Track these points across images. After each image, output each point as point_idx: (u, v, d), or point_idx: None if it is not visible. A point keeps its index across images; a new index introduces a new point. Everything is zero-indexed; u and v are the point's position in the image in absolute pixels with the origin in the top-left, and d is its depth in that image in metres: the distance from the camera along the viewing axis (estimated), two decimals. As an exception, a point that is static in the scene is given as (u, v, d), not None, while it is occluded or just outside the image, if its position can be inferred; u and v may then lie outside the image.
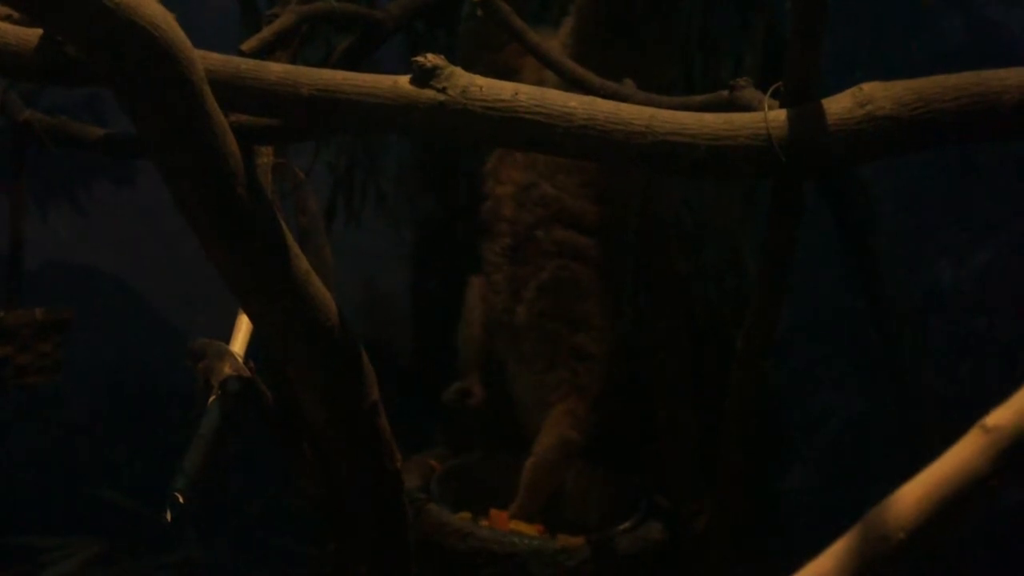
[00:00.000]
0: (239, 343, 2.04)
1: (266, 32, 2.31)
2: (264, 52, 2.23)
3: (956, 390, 4.41)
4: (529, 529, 3.05)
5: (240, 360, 1.97)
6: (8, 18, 1.66)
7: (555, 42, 2.96)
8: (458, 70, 1.58)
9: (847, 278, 4.12)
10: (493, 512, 3.11)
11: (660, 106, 1.68)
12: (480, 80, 1.58)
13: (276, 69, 1.62)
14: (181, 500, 1.71)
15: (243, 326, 2.05)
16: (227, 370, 1.91)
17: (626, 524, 3.03)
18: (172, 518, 1.70)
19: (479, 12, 2.13)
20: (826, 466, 4.61)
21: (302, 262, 1.63)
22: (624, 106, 1.63)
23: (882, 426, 4.39)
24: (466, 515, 3.09)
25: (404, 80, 1.59)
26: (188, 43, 1.34)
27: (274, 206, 1.57)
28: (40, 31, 1.60)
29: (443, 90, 1.56)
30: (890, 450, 4.19)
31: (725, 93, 1.91)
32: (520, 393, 3.27)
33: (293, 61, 2.41)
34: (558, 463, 3.14)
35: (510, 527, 3.04)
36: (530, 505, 3.13)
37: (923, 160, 4.33)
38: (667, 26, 3.08)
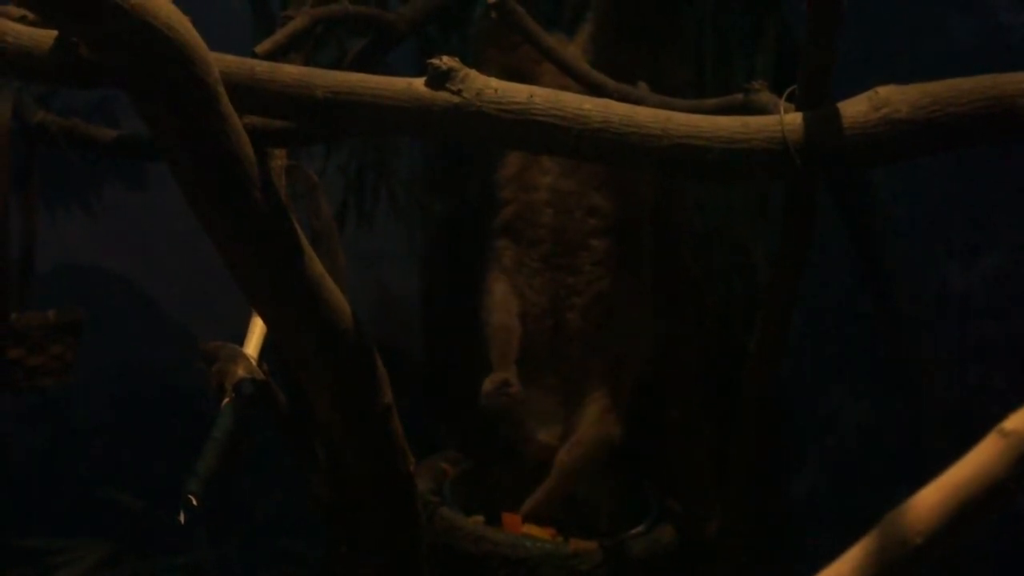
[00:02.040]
0: (253, 345, 2.04)
1: (280, 35, 2.32)
2: (278, 54, 2.24)
3: (966, 394, 4.40)
4: (542, 533, 3.04)
5: (254, 363, 1.98)
6: (22, 19, 1.66)
7: (573, 48, 2.95)
8: (473, 72, 1.58)
9: (856, 282, 4.11)
10: (506, 516, 3.10)
11: (675, 109, 1.68)
12: (495, 82, 1.58)
13: (291, 71, 1.62)
14: (194, 502, 1.71)
15: (257, 328, 2.05)
16: (240, 373, 1.91)
17: (638, 528, 3.03)
18: (185, 520, 1.71)
19: (492, 14, 2.13)
20: (836, 470, 4.60)
21: (316, 265, 1.63)
22: (639, 109, 1.63)
23: (892, 430, 4.38)
24: (479, 519, 3.08)
25: (419, 82, 1.59)
26: (203, 45, 1.34)
27: (287, 209, 1.56)
28: (54, 32, 1.60)
29: (458, 92, 1.56)
30: (900, 454, 4.18)
31: (740, 96, 1.91)
32: (541, 397, 3.23)
33: (306, 64, 2.42)
34: (595, 459, 3.08)
35: (523, 531, 3.03)
36: (555, 498, 3.08)
37: (934, 163, 4.31)
38: (679, 28, 3.07)
